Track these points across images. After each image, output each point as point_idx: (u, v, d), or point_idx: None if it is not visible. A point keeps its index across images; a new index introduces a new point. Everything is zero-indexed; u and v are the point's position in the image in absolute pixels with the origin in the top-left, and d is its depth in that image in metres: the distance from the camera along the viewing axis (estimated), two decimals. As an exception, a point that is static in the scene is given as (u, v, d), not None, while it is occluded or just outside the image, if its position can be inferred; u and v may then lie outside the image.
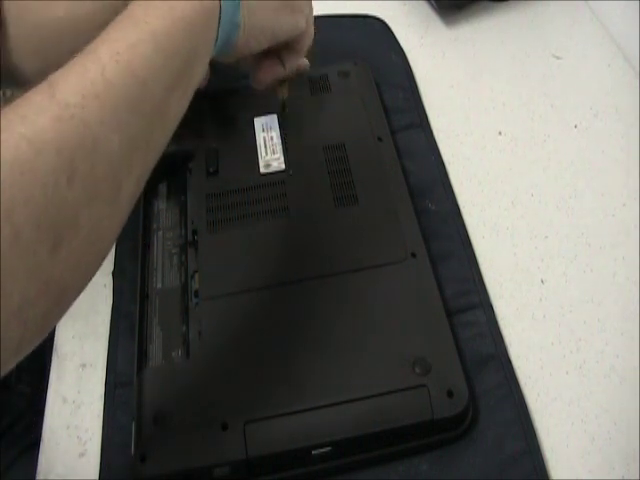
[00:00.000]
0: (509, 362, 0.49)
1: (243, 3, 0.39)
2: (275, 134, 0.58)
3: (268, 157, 0.57)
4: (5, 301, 0.26)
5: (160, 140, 0.34)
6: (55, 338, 0.54)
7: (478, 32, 0.71)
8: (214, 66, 0.55)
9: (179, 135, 0.58)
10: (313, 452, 0.43)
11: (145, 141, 0.32)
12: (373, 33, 0.71)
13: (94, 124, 0.29)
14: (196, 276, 0.51)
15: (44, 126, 0.27)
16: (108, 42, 0.31)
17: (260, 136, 0.58)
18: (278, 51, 0.49)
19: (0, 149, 0.26)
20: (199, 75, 0.37)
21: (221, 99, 0.61)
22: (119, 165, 0.30)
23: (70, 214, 0.28)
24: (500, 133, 0.63)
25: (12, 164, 0.26)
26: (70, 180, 0.27)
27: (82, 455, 0.48)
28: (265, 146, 0.58)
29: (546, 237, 0.56)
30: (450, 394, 0.44)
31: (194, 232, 0.53)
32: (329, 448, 0.43)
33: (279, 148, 0.57)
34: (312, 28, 0.50)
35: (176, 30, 0.33)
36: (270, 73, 0.49)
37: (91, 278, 0.31)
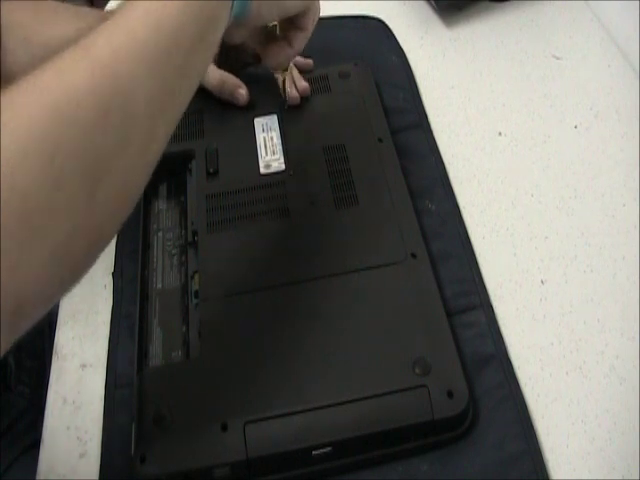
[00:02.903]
0: (509, 362, 0.49)
1: None
2: (275, 134, 0.58)
3: (268, 157, 0.57)
4: (54, 236, 0.30)
5: (184, 97, 0.37)
6: (55, 339, 0.54)
7: (478, 32, 0.71)
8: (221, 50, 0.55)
9: (179, 135, 0.59)
10: (313, 452, 0.43)
11: (172, 96, 0.35)
12: (373, 33, 0.71)
13: (125, 77, 0.31)
14: (196, 276, 0.51)
15: (80, 80, 0.30)
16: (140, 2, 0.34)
17: (260, 136, 0.58)
18: (286, 33, 0.50)
19: (42, 102, 0.29)
20: (217, 40, 0.39)
21: (221, 99, 0.61)
22: (150, 117, 0.33)
23: (105, 161, 0.31)
24: (500, 133, 0.63)
25: (52, 116, 0.29)
26: (105, 130, 0.30)
27: (82, 455, 0.48)
28: (265, 146, 0.58)
29: (546, 237, 0.56)
30: (450, 394, 0.44)
31: (194, 233, 0.53)
32: (329, 448, 0.43)
33: (279, 148, 0.57)
34: (318, 4, 0.50)
35: None
36: (281, 54, 0.50)
37: (123, 221, 0.34)
